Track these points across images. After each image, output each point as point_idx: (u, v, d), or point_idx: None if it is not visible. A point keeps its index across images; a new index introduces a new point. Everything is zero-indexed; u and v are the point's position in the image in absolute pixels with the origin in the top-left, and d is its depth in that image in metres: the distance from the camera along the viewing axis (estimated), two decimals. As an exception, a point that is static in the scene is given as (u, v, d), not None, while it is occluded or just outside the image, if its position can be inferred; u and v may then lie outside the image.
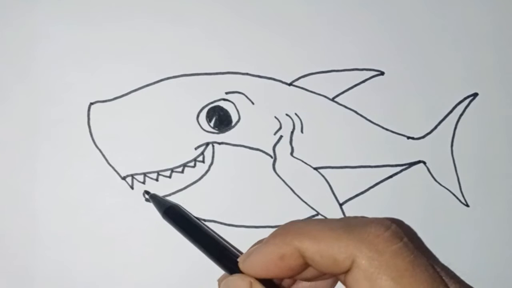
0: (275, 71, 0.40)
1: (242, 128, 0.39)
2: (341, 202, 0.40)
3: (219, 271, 0.35)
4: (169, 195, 0.39)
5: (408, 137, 0.41)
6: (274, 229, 0.37)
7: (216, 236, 0.36)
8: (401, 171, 0.41)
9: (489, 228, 0.41)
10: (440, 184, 0.41)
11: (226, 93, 0.39)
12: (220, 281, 0.33)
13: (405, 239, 0.29)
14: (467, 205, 0.41)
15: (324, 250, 0.29)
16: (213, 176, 0.39)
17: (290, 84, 0.40)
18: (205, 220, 0.39)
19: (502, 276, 0.41)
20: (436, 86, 0.41)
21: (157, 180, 0.39)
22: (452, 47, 0.41)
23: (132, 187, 0.39)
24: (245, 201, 0.39)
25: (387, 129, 0.41)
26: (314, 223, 0.30)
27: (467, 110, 0.41)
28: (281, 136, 0.40)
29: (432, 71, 0.41)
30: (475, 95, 0.41)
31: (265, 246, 0.31)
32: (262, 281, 0.31)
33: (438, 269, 0.30)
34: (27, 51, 0.38)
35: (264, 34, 0.40)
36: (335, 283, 0.34)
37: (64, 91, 0.38)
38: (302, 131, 0.40)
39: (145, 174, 0.38)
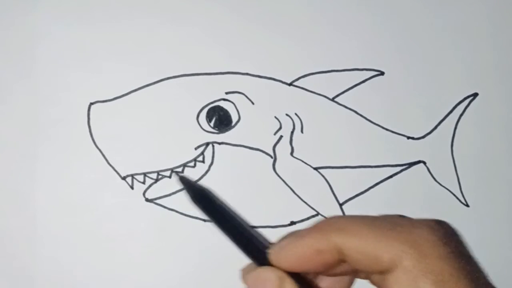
0: (275, 71, 0.40)
1: (242, 128, 0.39)
2: (341, 202, 0.40)
3: (219, 272, 0.35)
4: (169, 195, 0.39)
5: (408, 137, 0.41)
6: (274, 229, 0.37)
7: (246, 225, 0.35)
8: (401, 171, 0.41)
9: (489, 228, 0.41)
10: (440, 184, 0.41)
11: (226, 93, 0.39)
12: (245, 272, 0.32)
13: (453, 245, 0.28)
14: (467, 205, 0.41)
15: (366, 248, 0.28)
16: (213, 176, 0.39)
17: (290, 84, 0.40)
18: (204, 220, 0.39)
19: (502, 276, 0.41)
20: (436, 86, 0.41)
21: (157, 180, 0.39)
22: (452, 47, 0.41)
23: (132, 187, 0.39)
24: (245, 201, 0.39)
25: (387, 129, 0.41)
26: (357, 219, 0.30)
27: (467, 110, 0.41)
28: (281, 136, 0.40)
29: (432, 71, 0.41)
30: (475, 95, 0.41)
31: (301, 239, 0.30)
32: (289, 274, 0.30)
33: (481, 279, 0.30)
34: (28, 51, 0.38)
35: (264, 34, 0.40)
36: (351, 283, 0.34)
37: (64, 91, 0.38)
38: (302, 131, 0.40)
39: (145, 174, 0.38)
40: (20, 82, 0.38)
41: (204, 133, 0.39)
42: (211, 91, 0.39)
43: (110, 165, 0.39)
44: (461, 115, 0.41)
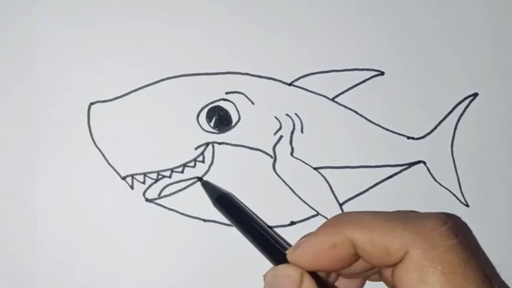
0: (275, 71, 0.40)
1: (242, 128, 0.39)
2: (341, 202, 0.40)
3: (219, 272, 0.35)
4: (169, 195, 0.39)
5: (408, 137, 0.41)
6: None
7: (266, 227, 0.36)
8: (401, 171, 0.41)
9: (489, 228, 0.41)
10: (440, 184, 0.41)
11: (226, 93, 0.39)
12: (266, 276, 0.33)
13: (460, 237, 0.29)
14: (467, 205, 0.41)
15: (377, 240, 0.29)
16: (213, 176, 0.39)
17: (290, 84, 0.40)
18: (204, 220, 0.39)
19: (501, 276, 0.41)
20: (436, 86, 0.41)
21: (157, 180, 0.39)
22: (452, 47, 0.41)
23: (132, 187, 0.39)
24: (245, 201, 0.39)
25: (387, 129, 0.41)
26: (367, 214, 0.30)
27: (467, 110, 0.41)
28: (281, 136, 0.40)
29: (432, 71, 0.41)
30: (475, 95, 0.41)
31: (315, 235, 0.30)
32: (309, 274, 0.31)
33: (489, 270, 0.30)
34: (28, 51, 0.38)
35: (264, 34, 0.40)
36: (362, 285, 0.35)
37: (64, 91, 0.38)
38: (302, 131, 0.40)
39: (145, 174, 0.38)
40: (20, 82, 0.38)
41: (204, 133, 0.39)
42: (211, 91, 0.39)
43: (110, 165, 0.39)
44: (461, 115, 0.41)
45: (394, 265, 0.29)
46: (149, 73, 0.39)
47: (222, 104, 0.39)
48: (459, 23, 0.41)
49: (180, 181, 0.39)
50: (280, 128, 0.40)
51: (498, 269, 0.40)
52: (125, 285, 0.39)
